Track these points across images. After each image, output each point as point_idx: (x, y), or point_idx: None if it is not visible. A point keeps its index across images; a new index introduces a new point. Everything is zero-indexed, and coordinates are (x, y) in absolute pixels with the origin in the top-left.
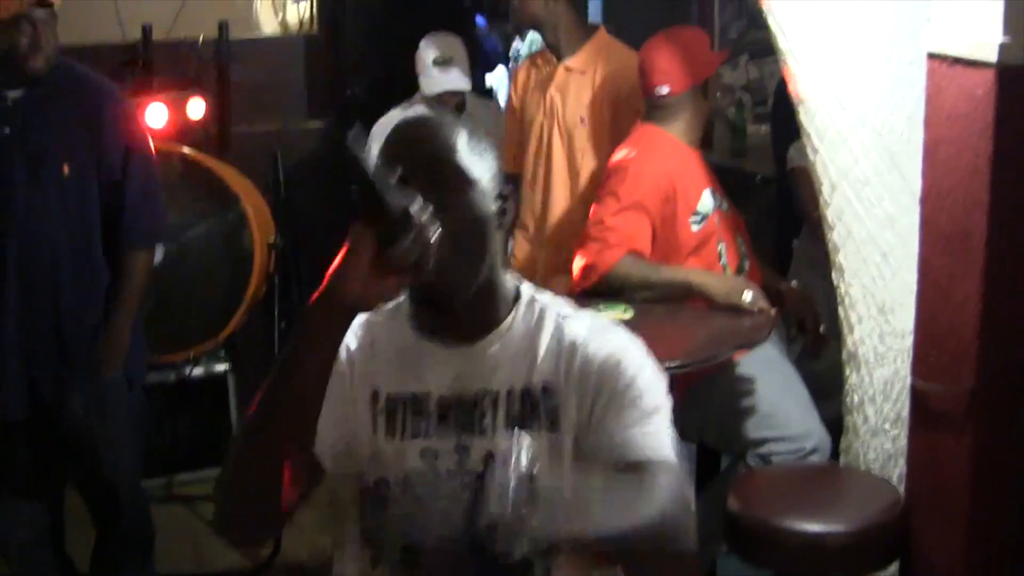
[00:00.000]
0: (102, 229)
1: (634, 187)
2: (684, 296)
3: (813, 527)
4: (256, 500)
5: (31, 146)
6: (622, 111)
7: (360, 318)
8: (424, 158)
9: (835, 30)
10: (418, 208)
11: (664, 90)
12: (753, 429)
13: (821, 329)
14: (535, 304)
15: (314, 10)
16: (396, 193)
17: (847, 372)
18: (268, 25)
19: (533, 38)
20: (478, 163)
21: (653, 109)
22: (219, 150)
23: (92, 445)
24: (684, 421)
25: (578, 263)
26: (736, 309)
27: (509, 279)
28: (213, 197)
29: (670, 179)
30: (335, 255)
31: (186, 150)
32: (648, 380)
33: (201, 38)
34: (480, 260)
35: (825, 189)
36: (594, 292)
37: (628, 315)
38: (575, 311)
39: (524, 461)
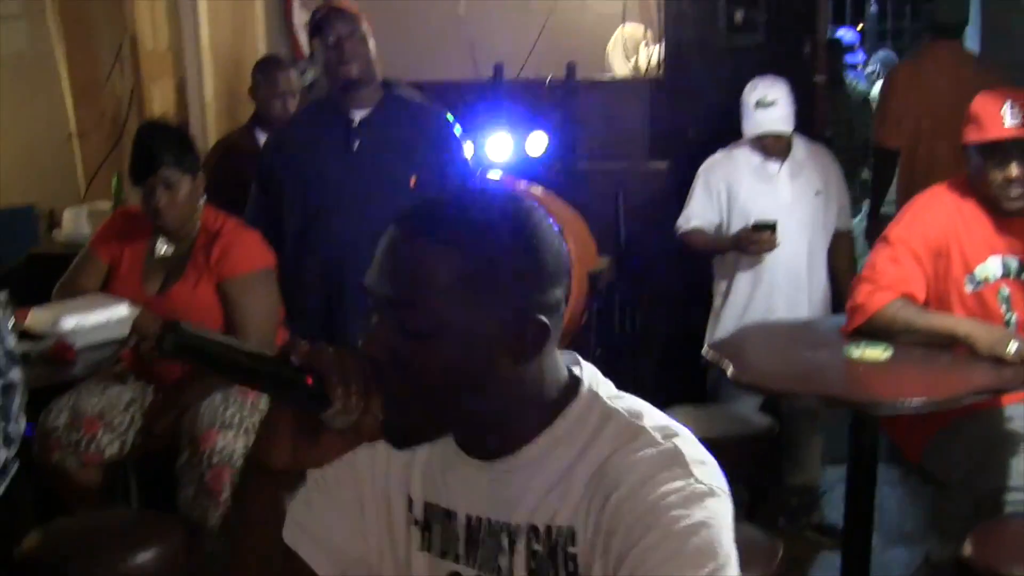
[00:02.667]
0: None
1: (907, 234)
2: (948, 343)
3: None
4: None
5: (378, 161)
6: None
7: None
8: (385, 292)
9: None
10: (341, 381)
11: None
12: (993, 477)
13: None
14: (594, 412)
15: (662, 54)
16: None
17: None
18: (619, 68)
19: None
20: (477, 295)
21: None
22: (558, 185)
23: None
24: (939, 459)
25: (849, 304)
26: (999, 360)
27: (554, 377)
28: None
29: (944, 235)
30: (668, 289)
31: (521, 181)
32: (718, 565)
33: (550, 77)
34: (456, 413)
35: None
36: (859, 332)
37: (886, 355)
38: (645, 433)
39: None
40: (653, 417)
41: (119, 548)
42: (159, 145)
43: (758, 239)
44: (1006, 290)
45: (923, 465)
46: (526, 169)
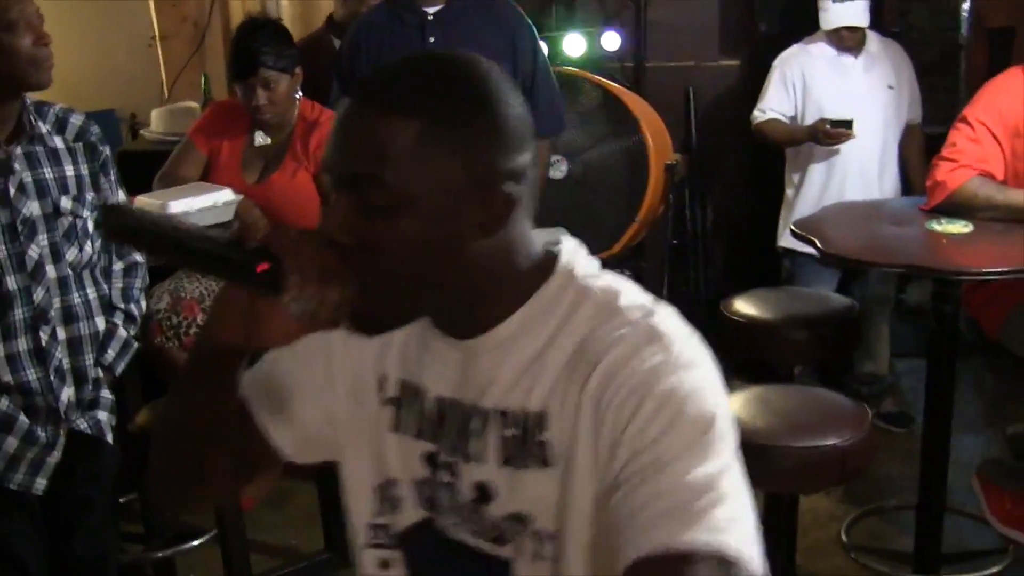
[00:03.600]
0: None
1: (984, 115)
2: None
3: None
4: (179, 473)
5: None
6: None
7: None
8: (345, 167)
9: None
10: (299, 265)
11: None
12: None
13: None
14: (570, 288)
15: None
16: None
17: None
18: None
19: None
20: (441, 155)
21: None
22: (633, 83)
23: None
24: (1015, 335)
25: (929, 182)
26: None
27: (528, 251)
28: (617, 121)
29: (1020, 115)
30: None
31: (594, 76)
32: (720, 430)
33: None
34: (429, 289)
35: None
36: (939, 210)
37: (967, 230)
38: (631, 298)
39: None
40: (631, 295)
41: None
42: (259, 45)
43: (835, 133)
44: None
45: (1000, 341)
46: (600, 68)
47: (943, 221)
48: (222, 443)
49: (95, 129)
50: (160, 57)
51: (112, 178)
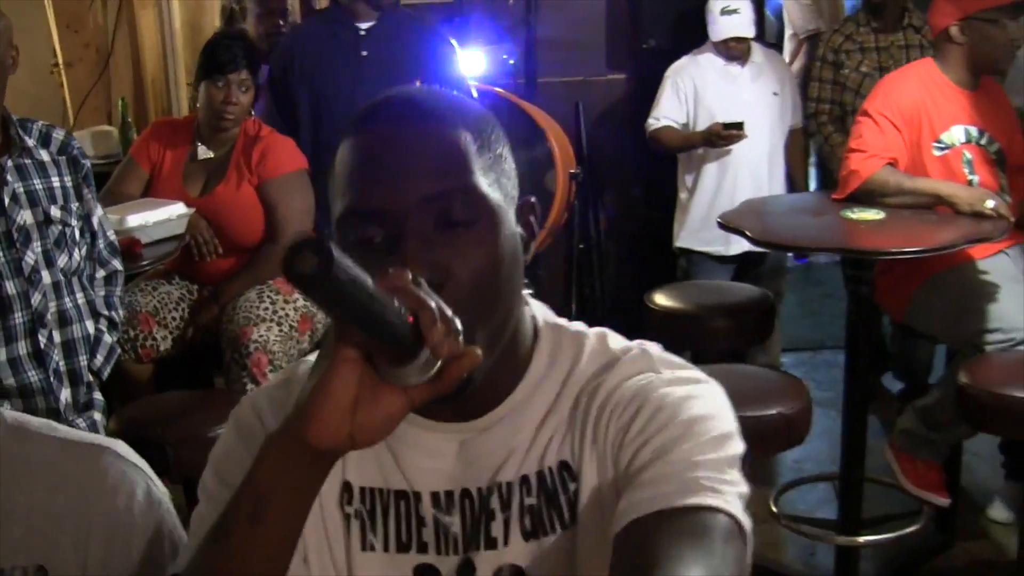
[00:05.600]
0: None
1: (884, 106)
2: (933, 204)
3: None
4: None
5: (384, 70)
6: None
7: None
8: (427, 190)
9: None
10: (435, 305)
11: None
12: (971, 321)
13: None
14: (563, 347)
15: None
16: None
17: None
18: None
19: None
20: (497, 173)
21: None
22: (526, 98)
23: None
24: (919, 314)
25: (842, 173)
26: (979, 215)
27: (527, 317)
28: (522, 132)
29: (915, 105)
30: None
31: (500, 90)
32: (722, 430)
33: None
34: (510, 316)
35: None
36: (854, 197)
37: (880, 216)
38: (618, 341)
39: None
40: (615, 337)
41: (203, 423)
42: (238, 50)
43: (728, 135)
44: (969, 155)
45: (906, 321)
46: (495, 83)
47: (856, 210)
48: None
49: (76, 143)
50: (64, 83)
51: (93, 189)
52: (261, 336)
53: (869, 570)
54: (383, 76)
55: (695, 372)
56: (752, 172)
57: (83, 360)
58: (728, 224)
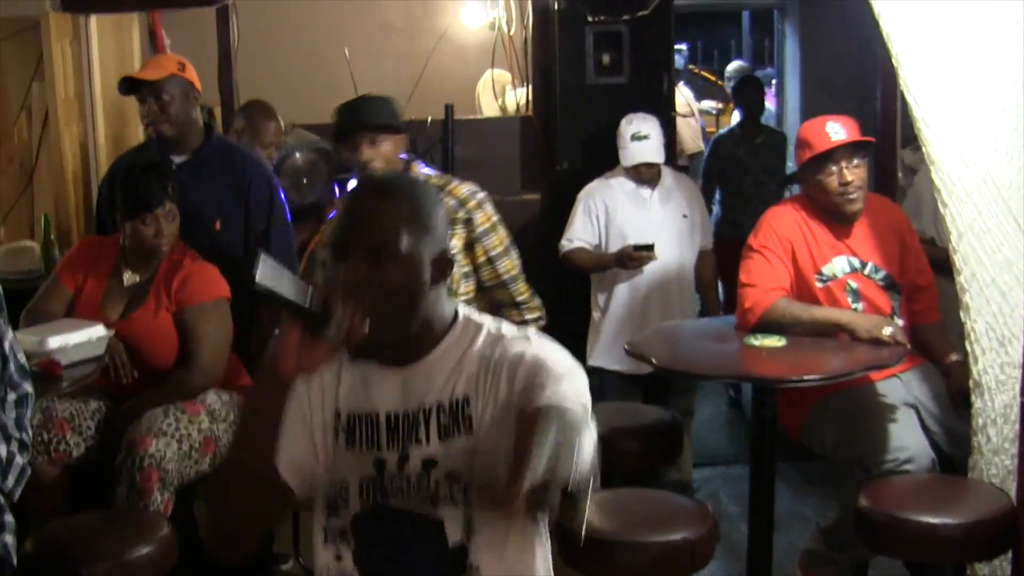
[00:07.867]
0: None
1: (767, 241)
2: (833, 331)
3: (931, 519)
4: (236, 523)
5: (186, 203)
6: None
7: None
8: (366, 242)
9: (963, 100)
10: (342, 305)
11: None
12: (860, 442)
13: None
14: (470, 326)
15: (529, 96)
16: (316, 300)
17: (972, 398)
18: (489, 109)
19: None
20: (419, 235)
21: None
22: None
23: None
24: (812, 433)
25: (738, 310)
26: (877, 342)
27: (447, 307)
28: None
29: (789, 240)
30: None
31: None
32: (569, 369)
33: (429, 119)
34: (412, 318)
35: (953, 238)
36: (754, 329)
37: (781, 343)
38: (508, 328)
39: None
40: (511, 327)
41: (117, 545)
42: (158, 184)
43: (639, 256)
44: (854, 284)
45: (802, 440)
46: None
47: (759, 337)
48: (270, 487)
49: None
50: None
51: (4, 314)
52: (158, 451)
53: None
54: (189, 206)
55: (560, 346)
56: (662, 290)
57: None
58: (635, 351)
